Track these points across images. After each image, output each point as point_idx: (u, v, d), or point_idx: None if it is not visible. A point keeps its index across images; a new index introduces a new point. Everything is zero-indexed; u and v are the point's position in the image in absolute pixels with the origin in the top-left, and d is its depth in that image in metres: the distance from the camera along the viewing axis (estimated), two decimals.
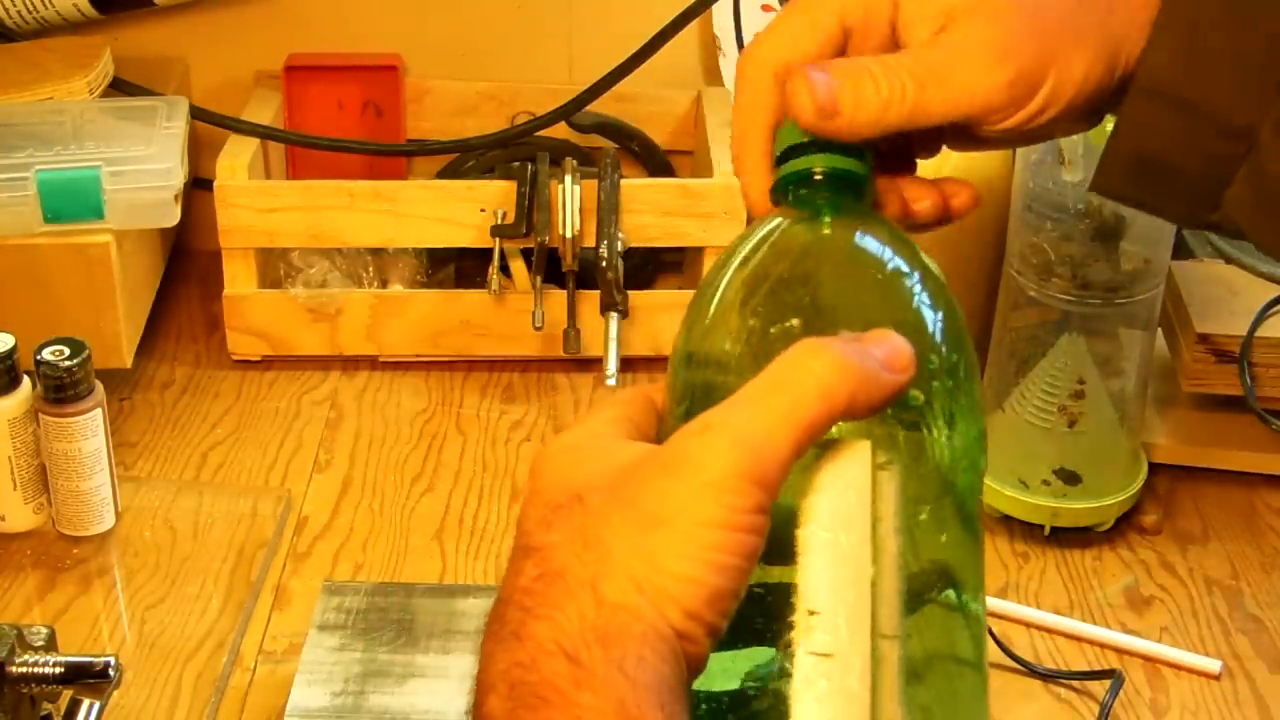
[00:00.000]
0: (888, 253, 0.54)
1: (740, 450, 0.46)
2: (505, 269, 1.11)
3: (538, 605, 0.46)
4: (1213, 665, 0.87)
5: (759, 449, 0.46)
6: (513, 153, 1.19)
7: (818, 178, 0.55)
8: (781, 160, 0.57)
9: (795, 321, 0.52)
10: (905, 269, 0.54)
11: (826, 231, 0.55)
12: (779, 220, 0.56)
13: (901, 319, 0.52)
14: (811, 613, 0.48)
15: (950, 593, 0.54)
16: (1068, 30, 0.55)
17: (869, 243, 0.55)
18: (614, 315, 1.08)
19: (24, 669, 0.72)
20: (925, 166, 1.03)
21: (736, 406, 0.47)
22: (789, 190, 0.56)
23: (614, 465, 0.48)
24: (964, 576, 0.54)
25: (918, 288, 0.54)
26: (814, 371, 0.47)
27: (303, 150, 1.21)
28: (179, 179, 1.02)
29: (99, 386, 0.91)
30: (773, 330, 0.52)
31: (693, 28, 1.19)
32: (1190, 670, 0.88)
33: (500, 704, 0.45)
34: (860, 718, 0.49)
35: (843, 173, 0.55)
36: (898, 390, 0.48)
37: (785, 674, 0.49)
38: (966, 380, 0.54)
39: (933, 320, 0.53)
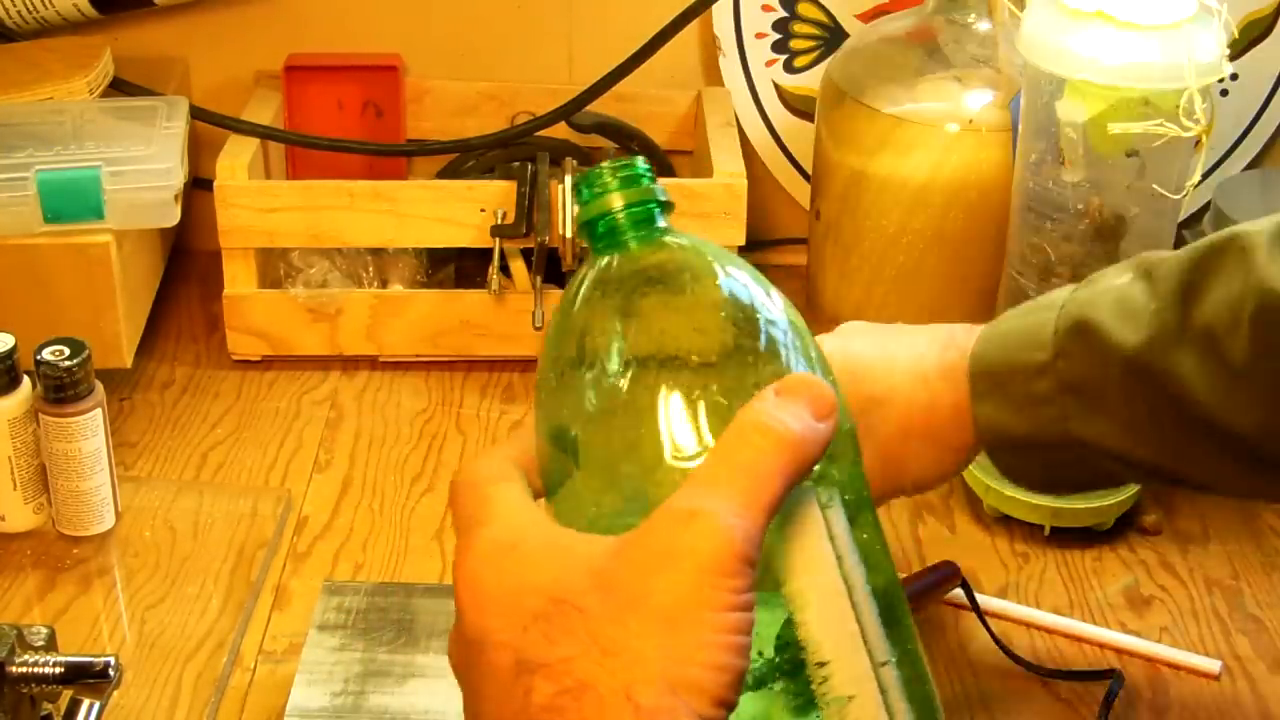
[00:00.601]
0: (717, 274, 0.56)
1: (729, 535, 0.48)
2: (505, 269, 1.11)
3: None
4: (1213, 665, 0.87)
5: (742, 531, 0.48)
6: (513, 153, 1.19)
7: (620, 218, 0.57)
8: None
9: (644, 355, 0.54)
10: (731, 282, 0.56)
11: (649, 262, 0.56)
12: (595, 264, 0.57)
13: (746, 331, 0.54)
14: (821, 664, 0.51)
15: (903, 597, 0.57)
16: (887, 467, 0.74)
17: (713, 273, 0.56)
18: None
19: (24, 669, 0.72)
20: (924, 165, 1.04)
21: (708, 491, 0.49)
22: (598, 234, 0.57)
23: (586, 562, 0.49)
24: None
25: (747, 294, 0.56)
26: (764, 450, 0.50)
27: (303, 150, 1.21)
28: (179, 179, 1.02)
29: (99, 386, 0.91)
30: (630, 370, 0.54)
31: (693, 28, 1.19)
32: (1190, 670, 0.88)
33: None
34: None
35: (640, 204, 0.57)
36: (831, 434, 0.52)
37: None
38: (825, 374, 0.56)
39: (780, 322, 0.55)
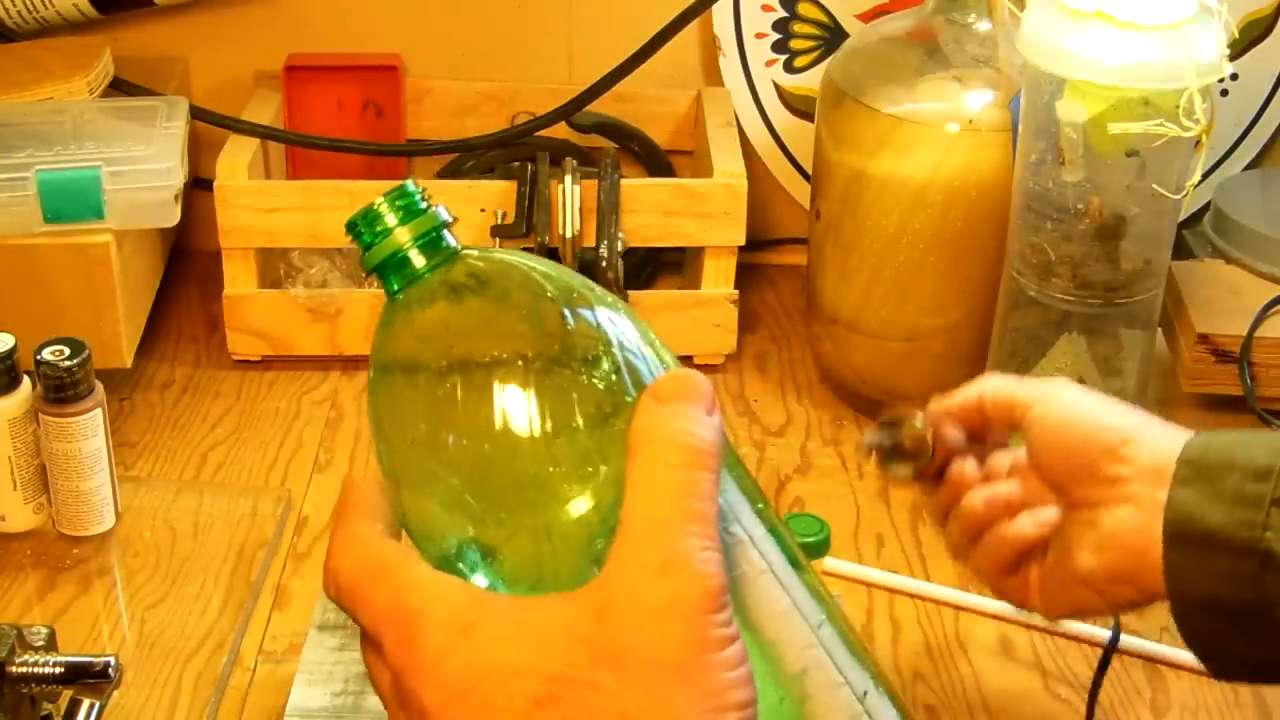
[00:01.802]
0: (533, 281, 0.54)
1: (704, 573, 0.47)
2: None
3: None
4: None
5: (713, 563, 0.48)
6: (513, 153, 1.19)
7: (414, 256, 0.54)
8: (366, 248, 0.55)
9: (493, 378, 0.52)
10: (548, 281, 0.54)
11: (456, 284, 0.54)
12: (400, 304, 0.55)
13: (587, 335, 0.53)
14: (772, 645, 0.52)
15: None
16: None
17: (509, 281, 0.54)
18: None
19: (24, 669, 0.72)
20: (924, 165, 1.04)
21: (666, 533, 0.48)
22: (393, 274, 0.55)
23: (567, 632, 0.48)
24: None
25: (569, 291, 0.54)
26: (690, 468, 0.49)
27: (303, 150, 1.21)
28: (179, 179, 1.02)
29: (99, 386, 0.91)
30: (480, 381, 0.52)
31: (693, 28, 1.19)
32: (1197, 671, 0.87)
33: None
34: (846, 693, 0.52)
35: (428, 233, 0.54)
36: (718, 416, 0.51)
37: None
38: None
39: (611, 312, 0.54)
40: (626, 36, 1.16)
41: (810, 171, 1.15)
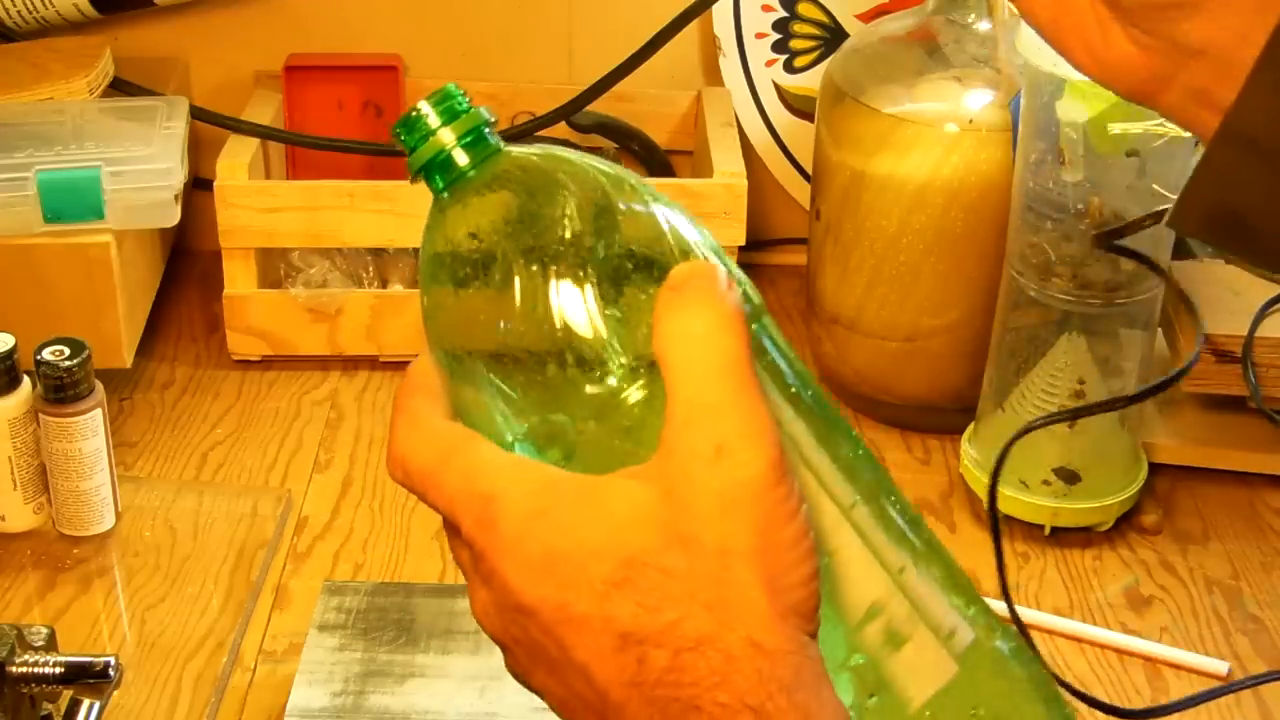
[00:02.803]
0: (569, 178, 0.54)
1: (760, 451, 0.48)
2: None
3: (702, 678, 0.47)
4: (1220, 667, 0.87)
5: (770, 436, 0.48)
6: None
7: (458, 155, 0.55)
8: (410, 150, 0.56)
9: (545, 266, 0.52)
10: (599, 172, 0.54)
11: (504, 179, 0.55)
12: (446, 203, 0.56)
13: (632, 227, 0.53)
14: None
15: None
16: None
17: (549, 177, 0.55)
18: None
19: (24, 669, 0.73)
20: (924, 165, 1.03)
21: (715, 417, 0.48)
22: (438, 174, 0.56)
23: (636, 516, 0.48)
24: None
25: (619, 180, 0.54)
26: (717, 337, 0.49)
27: (303, 150, 1.21)
28: (179, 179, 1.02)
29: (99, 386, 0.91)
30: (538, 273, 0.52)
31: (693, 28, 1.19)
32: (1197, 672, 0.88)
33: None
34: (878, 572, 0.51)
35: (470, 132, 0.55)
36: (737, 290, 0.51)
37: None
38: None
39: (659, 212, 0.54)
40: (626, 36, 1.16)
41: (810, 171, 1.15)
